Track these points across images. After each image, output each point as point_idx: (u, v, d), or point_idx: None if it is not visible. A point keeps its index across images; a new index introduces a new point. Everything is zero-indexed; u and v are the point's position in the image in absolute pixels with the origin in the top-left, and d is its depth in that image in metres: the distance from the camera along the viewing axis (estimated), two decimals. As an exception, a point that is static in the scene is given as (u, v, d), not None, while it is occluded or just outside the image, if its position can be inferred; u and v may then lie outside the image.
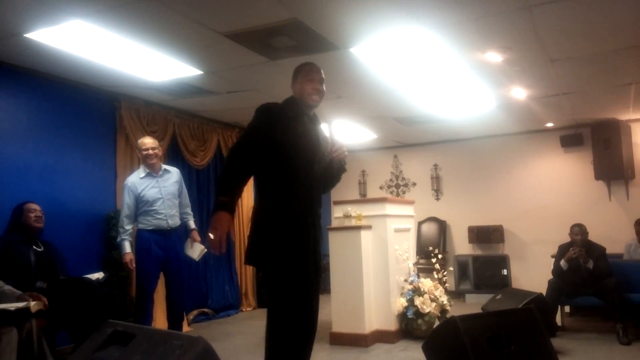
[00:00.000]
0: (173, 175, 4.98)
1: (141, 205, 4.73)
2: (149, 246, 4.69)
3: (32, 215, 4.22)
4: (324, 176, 2.90)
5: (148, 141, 4.87)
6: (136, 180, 4.78)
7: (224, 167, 2.69)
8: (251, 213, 2.80)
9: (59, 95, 5.18)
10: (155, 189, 4.77)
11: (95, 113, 5.54)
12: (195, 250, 5.04)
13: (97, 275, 4.23)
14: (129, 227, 4.72)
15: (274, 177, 2.70)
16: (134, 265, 4.70)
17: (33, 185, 4.84)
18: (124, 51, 4.45)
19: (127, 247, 4.69)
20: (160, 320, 5.49)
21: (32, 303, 3.51)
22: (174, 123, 6.39)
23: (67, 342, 4.39)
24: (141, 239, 4.73)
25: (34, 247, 4.19)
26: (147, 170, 4.81)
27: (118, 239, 4.75)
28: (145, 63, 4.78)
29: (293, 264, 2.66)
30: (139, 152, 4.93)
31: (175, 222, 4.87)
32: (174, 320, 4.85)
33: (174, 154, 6.48)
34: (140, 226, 4.76)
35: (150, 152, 4.80)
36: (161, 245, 4.73)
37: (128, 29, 4.01)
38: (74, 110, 5.32)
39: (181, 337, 2.07)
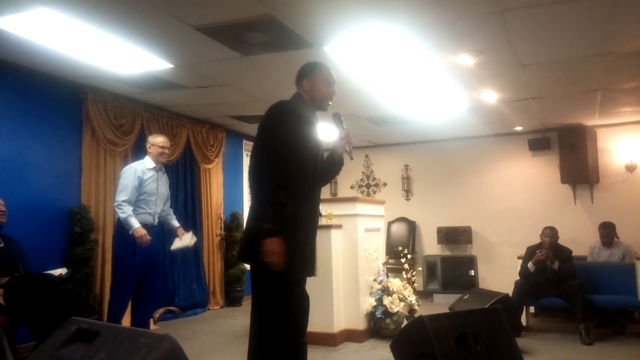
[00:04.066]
0: (165, 177, 5.09)
1: (138, 195, 4.67)
2: (134, 241, 4.59)
3: (-4, 210, 4.08)
4: (323, 174, 2.92)
5: (165, 140, 4.98)
6: (143, 168, 4.78)
7: (263, 188, 2.57)
8: (250, 210, 2.73)
9: (23, 85, 5.02)
10: (154, 185, 4.82)
11: (60, 105, 5.39)
12: (186, 239, 5.01)
13: (60, 271, 4.09)
14: (130, 209, 4.59)
15: (283, 176, 2.63)
16: (149, 237, 4.57)
17: (-6, 178, 4.68)
18: (92, 42, 4.33)
19: (137, 223, 4.54)
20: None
21: None
22: (142, 117, 6.26)
23: (28, 339, 4.25)
24: (126, 232, 4.61)
25: (-6, 242, 4.04)
26: (154, 164, 4.85)
27: (123, 216, 4.55)
28: (113, 54, 4.66)
29: (298, 263, 2.65)
30: (152, 147, 4.89)
31: (157, 220, 4.91)
32: (141, 320, 4.73)
33: (141, 149, 6.33)
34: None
35: (167, 151, 4.97)
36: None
37: (96, 19, 3.90)
38: (38, 101, 5.16)
39: (148, 335, 2.03)
